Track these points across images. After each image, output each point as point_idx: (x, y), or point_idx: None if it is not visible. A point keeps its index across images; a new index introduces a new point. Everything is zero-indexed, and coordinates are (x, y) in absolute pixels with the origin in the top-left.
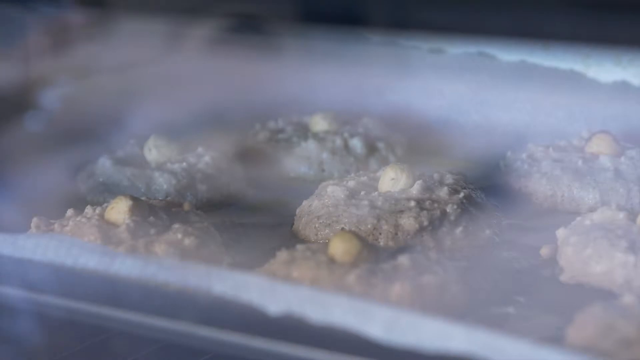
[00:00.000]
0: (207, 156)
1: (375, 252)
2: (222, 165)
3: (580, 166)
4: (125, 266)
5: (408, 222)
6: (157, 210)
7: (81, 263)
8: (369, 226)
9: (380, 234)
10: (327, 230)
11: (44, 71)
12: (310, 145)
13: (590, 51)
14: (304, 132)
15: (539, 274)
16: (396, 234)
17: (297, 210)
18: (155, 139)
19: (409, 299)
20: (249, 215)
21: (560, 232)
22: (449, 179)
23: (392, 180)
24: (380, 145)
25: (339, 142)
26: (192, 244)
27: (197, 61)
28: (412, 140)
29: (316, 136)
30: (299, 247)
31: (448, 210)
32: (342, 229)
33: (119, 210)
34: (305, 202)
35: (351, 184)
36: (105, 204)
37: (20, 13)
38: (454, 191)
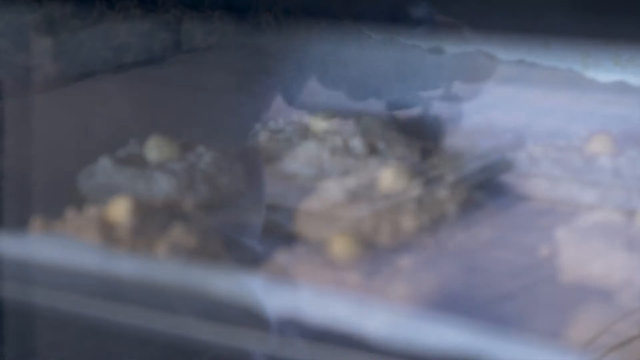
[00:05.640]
0: (207, 156)
1: (375, 252)
2: (223, 165)
3: (580, 166)
4: (125, 266)
5: (408, 222)
6: (157, 210)
7: (81, 263)
8: (369, 226)
9: (380, 234)
10: (327, 231)
11: None
12: (310, 145)
13: (590, 50)
14: (304, 132)
15: (539, 274)
16: (396, 234)
17: (297, 210)
18: (156, 139)
19: (409, 299)
20: (249, 215)
21: (560, 232)
22: (449, 178)
23: (392, 180)
24: (380, 145)
25: (339, 142)
26: (192, 244)
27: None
28: (413, 141)
29: (316, 136)
30: (299, 247)
31: (448, 210)
32: (342, 229)
33: (119, 210)
34: (305, 202)
35: (351, 184)
36: (105, 204)
37: None
38: (454, 191)
